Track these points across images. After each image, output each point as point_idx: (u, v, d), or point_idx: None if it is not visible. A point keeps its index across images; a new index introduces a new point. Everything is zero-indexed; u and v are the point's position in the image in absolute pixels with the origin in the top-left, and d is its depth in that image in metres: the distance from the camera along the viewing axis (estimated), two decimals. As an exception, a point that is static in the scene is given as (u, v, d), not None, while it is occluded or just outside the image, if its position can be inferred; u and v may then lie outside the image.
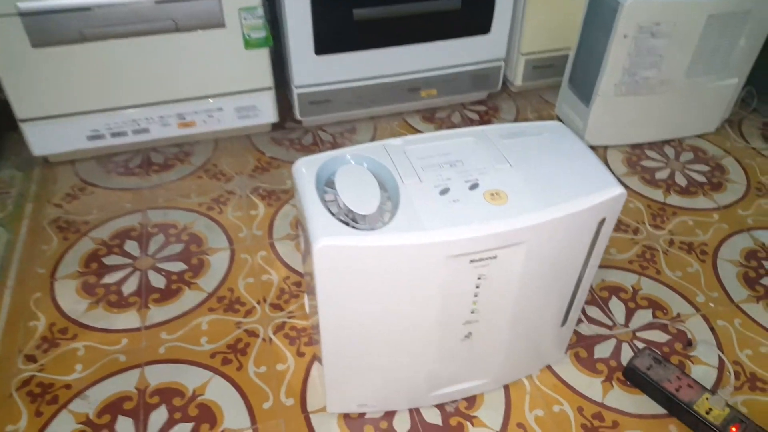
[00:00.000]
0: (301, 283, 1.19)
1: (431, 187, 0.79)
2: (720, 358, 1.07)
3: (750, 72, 1.56)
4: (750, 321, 1.14)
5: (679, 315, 1.15)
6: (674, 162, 1.55)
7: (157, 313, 1.14)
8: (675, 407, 0.97)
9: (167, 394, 1.01)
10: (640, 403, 1.00)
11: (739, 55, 1.48)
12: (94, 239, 1.29)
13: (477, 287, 0.82)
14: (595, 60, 1.46)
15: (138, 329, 1.11)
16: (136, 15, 1.28)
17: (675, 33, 1.37)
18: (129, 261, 1.24)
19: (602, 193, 0.80)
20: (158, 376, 1.03)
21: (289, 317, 1.13)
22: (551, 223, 0.77)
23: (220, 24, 1.34)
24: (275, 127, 1.63)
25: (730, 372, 1.05)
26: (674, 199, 1.42)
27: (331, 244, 0.72)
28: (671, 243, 1.30)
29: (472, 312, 0.85)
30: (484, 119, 1.70)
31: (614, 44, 1.38)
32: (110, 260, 1.24)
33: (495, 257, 0.79)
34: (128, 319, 1.13)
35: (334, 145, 1.58)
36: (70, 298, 1.16)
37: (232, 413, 0.98)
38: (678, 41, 1.39)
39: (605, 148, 1.59)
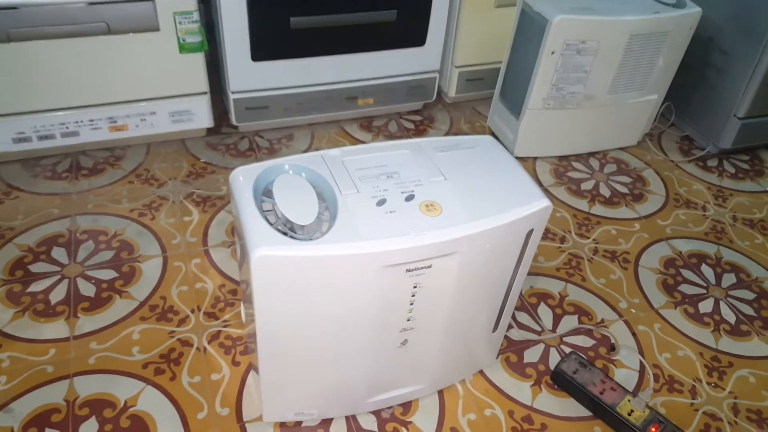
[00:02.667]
0: (236, 291, 1.19)
1: (368, 198, 0.81)
2: (641, 362, 1.13)
3: (668, 89, 1.65)
4: (668, 326, 1.21)
5: (603, 320, 1.21)
6: (599, 173, 1.62)
7: (87, 322, 1.11)
8: (599, 409, 1.02)
9: (97, 405, 0.98)
10: (567, 406, 1.05)
11: (658, 73, 1.56)
12: (19, 246, 1.24)
13: (413, 296, 0.84)
14: (525, 75, 1.52)
15: (66, 339, 1.08)
16: (67, 16, 1.24)
17: (599, 50, 1.44)
18: (57, 268, 1.20)
19: (530, 205, 0.84)
20: (88, 387, 1.01)
21: (224, 326, 1.12)
22: (483, 234, 0.80)
23: (155, 27, 1.32)
24: (210, 131, 1.62)
25: (650, 375, 1.11)
26: (598, 209, 1.49)
27: (268, 254, 0.73)
28: (596, 251, 1.36)
29: (408, 320, 0.87)
30: (420, 129, 1.73)
31: (543, 60, 1.44)
32: (37, 267, 1.20)
33: (430, 266, 0.81)
34: (56, 328, 1.10)
35: (271, 151, 1.58)
36: (-7, 307, 1.12)
37: (166, 424, 0.97)
38: (602, 58, 1.46)
39: (534, 159, 1.65)
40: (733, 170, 1.68)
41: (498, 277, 0.91)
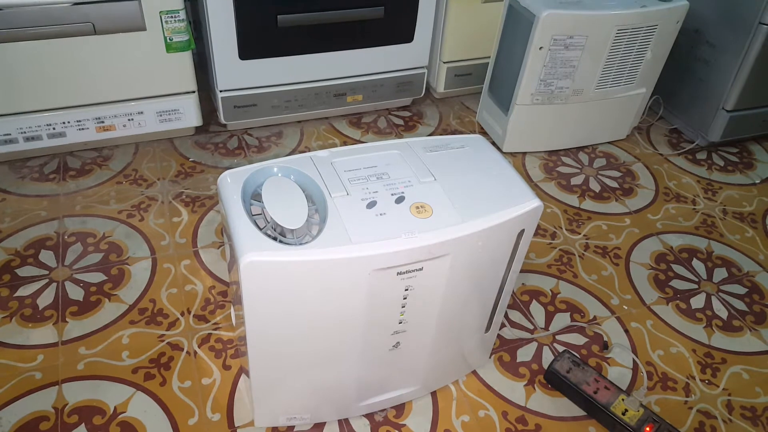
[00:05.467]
0: (227, 293, 1.18)
1: (358, 200, 0.80)
2: (634, 360, 1.13)
3: (656, 82, 1.65)
4: (661, 322, 1.21)
5: (595, 318, 1.20)
6: (588, 168, 1.62)
7: (75, 326, 1.10)
8: (593, 409, 1.01)
9: (87, 412, 0.97)
10: (561, 406, 1.05)
11: (646, 67, 1.56)
12: (6, 249, 1.23)
13: (404, 298, 0.83)
14: (513, 70, 1.51)
15: (55, 344, 1.07)
16: (52, 17, 1.22)
17: (587, 45, 1.43)
18: (44, 272, 1.19)
19: (521, 206, 0.83)
20: (77, 393, 1.00)
21: (215, 329, 1.11)
22: (474, 235, 0.80)
23: (141, 27, 1.30)
24: (199, 130, 1.60)
25: (643, 373, 1.11)
26: (589, 204, 1.49)
27: (257, 260, 0.72)
28: (587, 247, 1.36)
29: (400, 323, 0.87)
30: (409, 125, 1.72)
31: (530, 55, 1.43)
32: (24, 271, 1.19)
33: (421, 269, 0.80)
34: (44, 333, 1.08)
35: (260, 149, 1.57)
36: (-21, 313, 1.11)
37: (156, 431, 0.96)
38: (590, 53, 1.45)
39: (523, 154, 1.64)
40: (722, 163, 1.68)
41: (490, 278, 0.90)
